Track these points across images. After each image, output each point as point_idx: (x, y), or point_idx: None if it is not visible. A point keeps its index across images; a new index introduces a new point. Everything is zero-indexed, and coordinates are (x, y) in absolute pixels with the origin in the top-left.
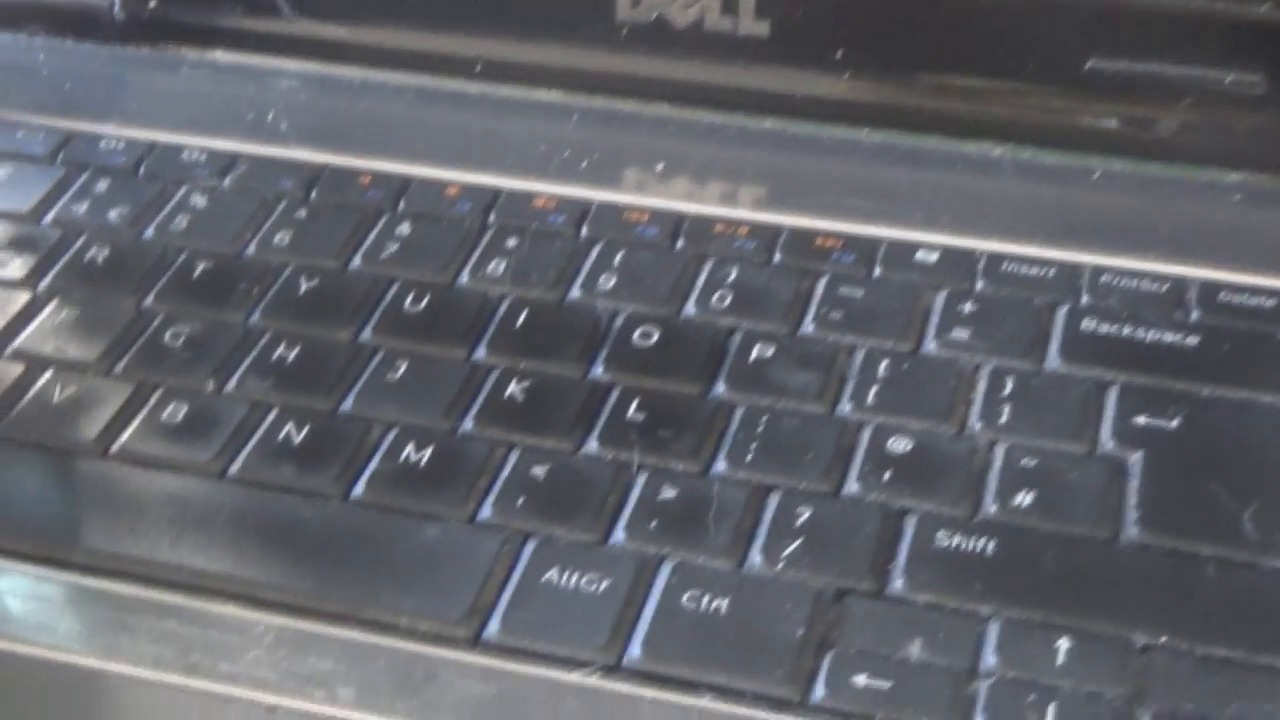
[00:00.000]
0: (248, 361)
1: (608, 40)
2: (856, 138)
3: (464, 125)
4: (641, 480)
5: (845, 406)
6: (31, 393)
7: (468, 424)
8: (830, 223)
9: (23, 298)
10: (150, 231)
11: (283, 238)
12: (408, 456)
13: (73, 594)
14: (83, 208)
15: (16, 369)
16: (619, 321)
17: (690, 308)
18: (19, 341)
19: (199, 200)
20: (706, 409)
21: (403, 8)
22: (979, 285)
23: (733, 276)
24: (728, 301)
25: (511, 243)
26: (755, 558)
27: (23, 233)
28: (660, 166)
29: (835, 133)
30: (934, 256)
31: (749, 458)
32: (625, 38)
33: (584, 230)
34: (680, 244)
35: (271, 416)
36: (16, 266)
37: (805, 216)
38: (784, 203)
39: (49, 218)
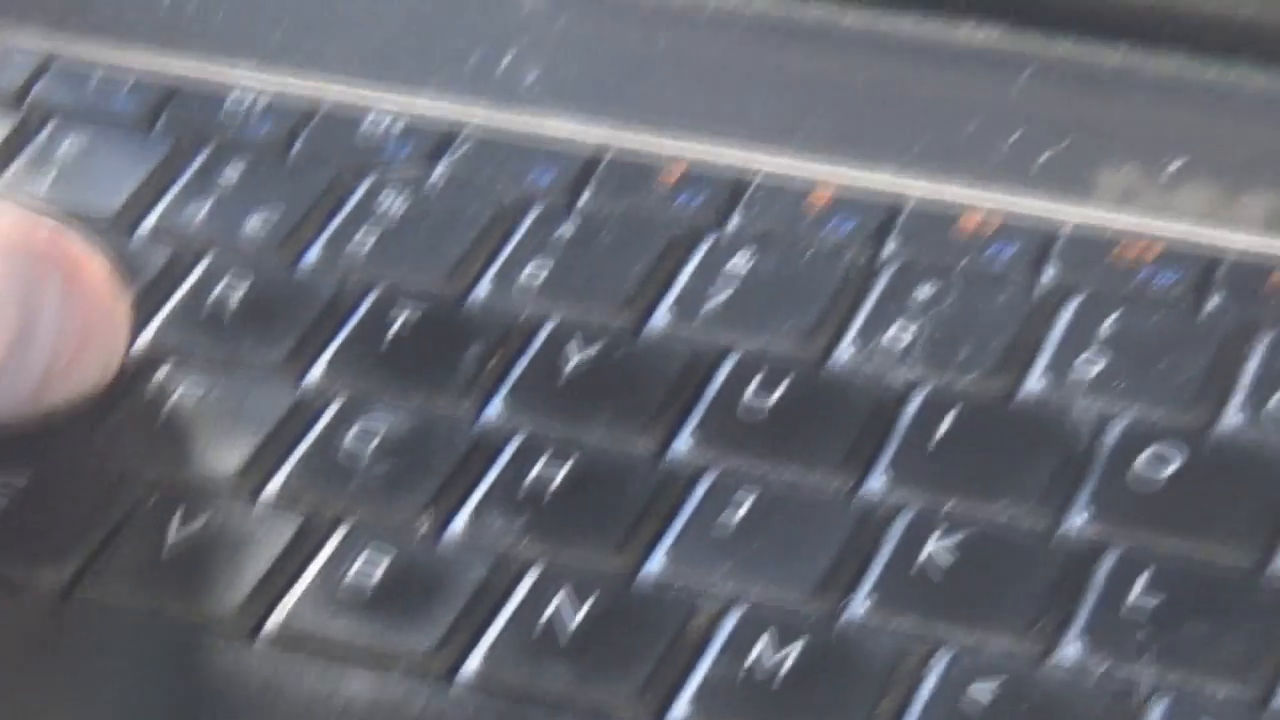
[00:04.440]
0: (486, 484)
1: None
2: None
3: (836, 81)
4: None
5: None
6: (128, 520)
7: (858, 606)
8: None
9: None
10: (315, 253)
11: (537, 270)
12: (760, 659)
13: None
14: (203, 210)
15: (105, 477)
16: (1112, 437)
17: (1234, 416)
18: (107, 433)
19: (394, 201)
20: (1263, 593)
21: None
22: None
23: None
24: None
25: (922, 292)
26: None
27: (107, 249)
28: (1175, 164)
29: None
30: None
31: None
32: None
33: (1045, 273)
34: (1213, 303)
35: (530, 580)
36: None
37: None
38: None
39: (149, 224)
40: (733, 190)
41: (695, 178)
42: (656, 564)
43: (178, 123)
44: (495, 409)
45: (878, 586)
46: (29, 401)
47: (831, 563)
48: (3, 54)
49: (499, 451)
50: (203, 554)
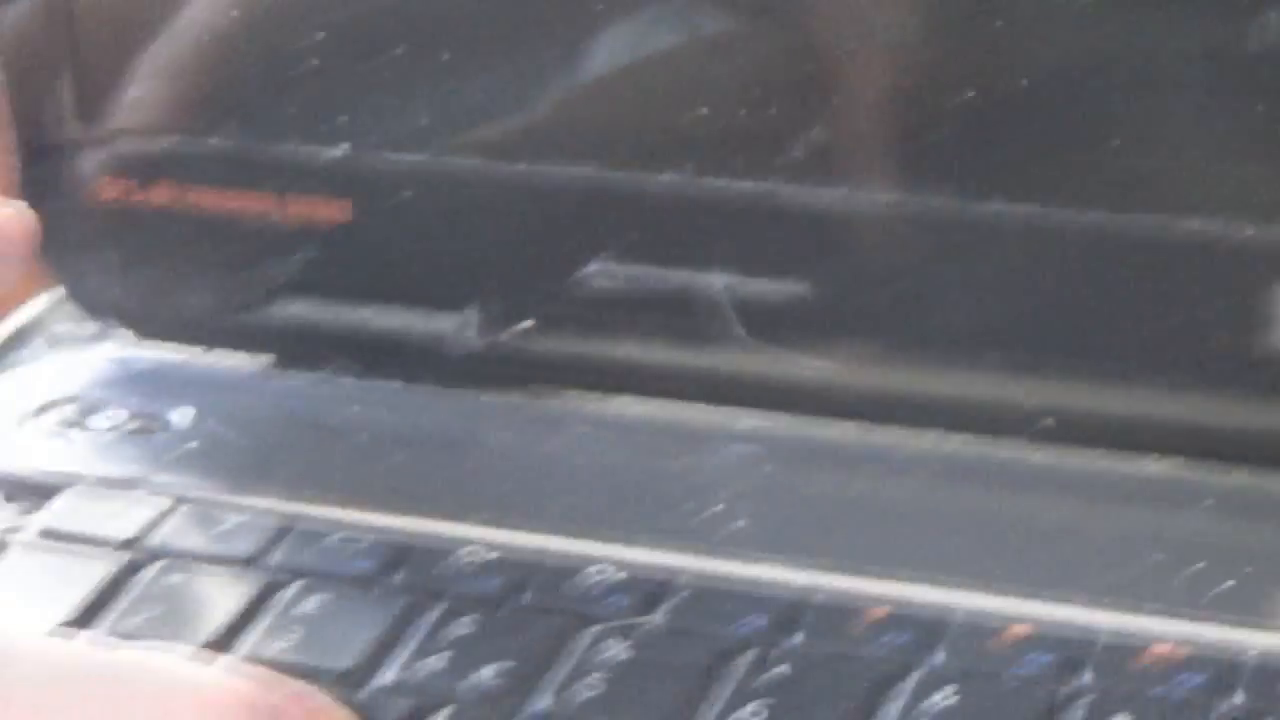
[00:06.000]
0: None
1: None
2: None
3: (1025, 519)
4: None
5: None
6: None
7: None
8: None
9: None
10: (546, 701)
11: (755, 715)
12: None
13: None
14: (438, 663)
15: None
16: None
17: None
18: None
19: (616, 649)
20: None
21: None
22: None
23: None
24: None
25: None
26: None
27: (349, 703)
28: None
29: None
30: None
31: None
32: None
33: (1228, 701)
34: None
35: None
36: None
37: None
38: None
39: (388, 677)
40: (931, 629)
41: (896, 618)
42: None
43: (411, 579)
44: None
45: None
46: None
47: None
48: (246, 520)
49: None
50: None
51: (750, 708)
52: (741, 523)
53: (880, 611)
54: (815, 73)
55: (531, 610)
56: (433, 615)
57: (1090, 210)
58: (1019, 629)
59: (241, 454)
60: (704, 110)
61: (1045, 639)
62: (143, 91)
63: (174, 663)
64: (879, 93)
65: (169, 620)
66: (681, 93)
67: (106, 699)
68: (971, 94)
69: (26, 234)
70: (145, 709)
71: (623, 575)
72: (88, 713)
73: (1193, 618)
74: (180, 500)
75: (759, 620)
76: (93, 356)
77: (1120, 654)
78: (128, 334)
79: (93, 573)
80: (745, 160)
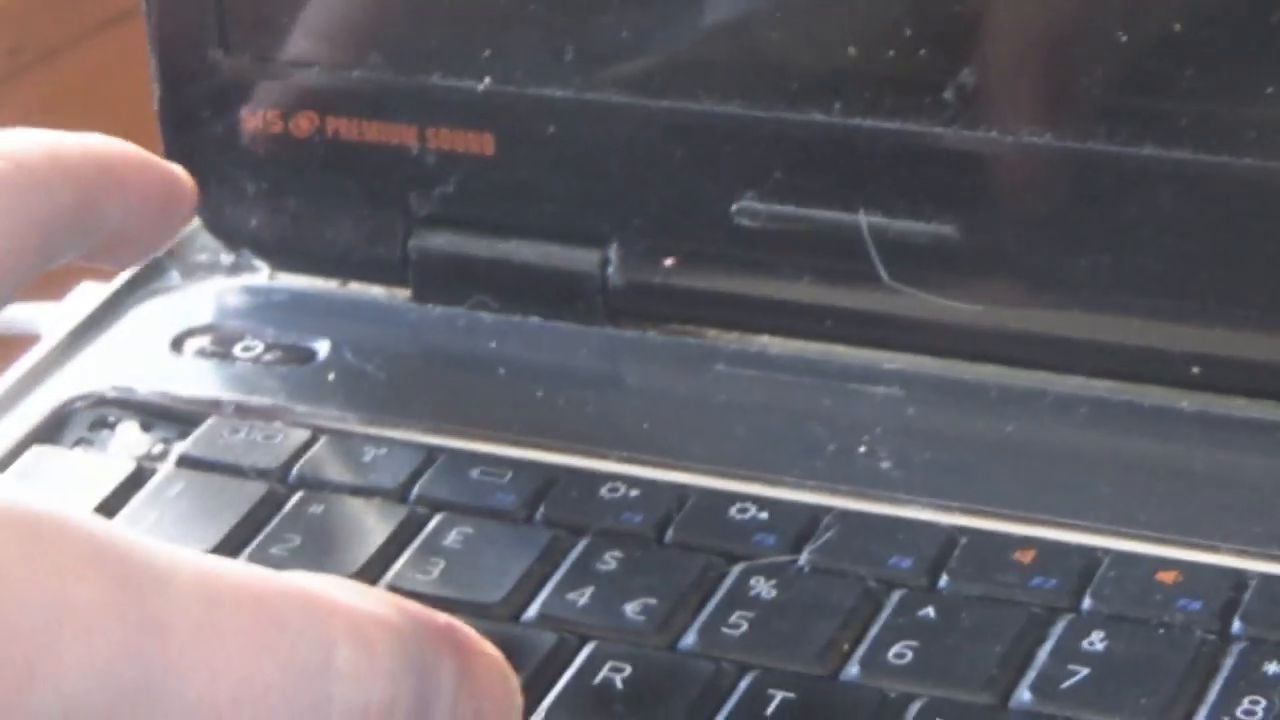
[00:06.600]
0: None
1: None
2: None
3: (1175, 463)
4: None
5: None
6: None
7: None
8: None
9: None
10: (692, 638)
11: (903, 651)
12: None
13: None
14: (584, 597)
15: None
16: None
17: None
18: None
19: (763, 587)
20: None
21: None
22: None
23: None
24: None
25: (1272, 668)
26: None
27: (494, 636)
28: None
29: None
30: None
31: None
32: None
33: None
34: None
35: None
36: None
37: None
38: None
39: (533, 612)
40: (1083, 572)
41: (1047, 560)
42: None
43: (555, 513)
44: None
45: None
46: None
47: None
48: (387, 452)
49: None
50: None
51: (896, 649)
52: (887, 464)
53: (1028, 554)
54: (964, 14)
55: (676, 547)
56: (577, 550)
57: (1240, 156)
58: (1168, 574)
59: (380, 387)
60: (852, 50)
61: (1195, 585)
62: (286, 23)
63: (331, 587)
64: (1028, 35)
65: (313, 551)
66: (829, 32)
67: (263, 620)
68: (1121, 37)
69: (192, 195)
70: (300, 630)
71: (768, 513)
72: (244, 632)
73: None
74: (321, 431)
75: (905, 561)
76: (229, 287)
77: (1272, 601)
78: (264, 266)
79: (235, 502)
80: (892, 101)
